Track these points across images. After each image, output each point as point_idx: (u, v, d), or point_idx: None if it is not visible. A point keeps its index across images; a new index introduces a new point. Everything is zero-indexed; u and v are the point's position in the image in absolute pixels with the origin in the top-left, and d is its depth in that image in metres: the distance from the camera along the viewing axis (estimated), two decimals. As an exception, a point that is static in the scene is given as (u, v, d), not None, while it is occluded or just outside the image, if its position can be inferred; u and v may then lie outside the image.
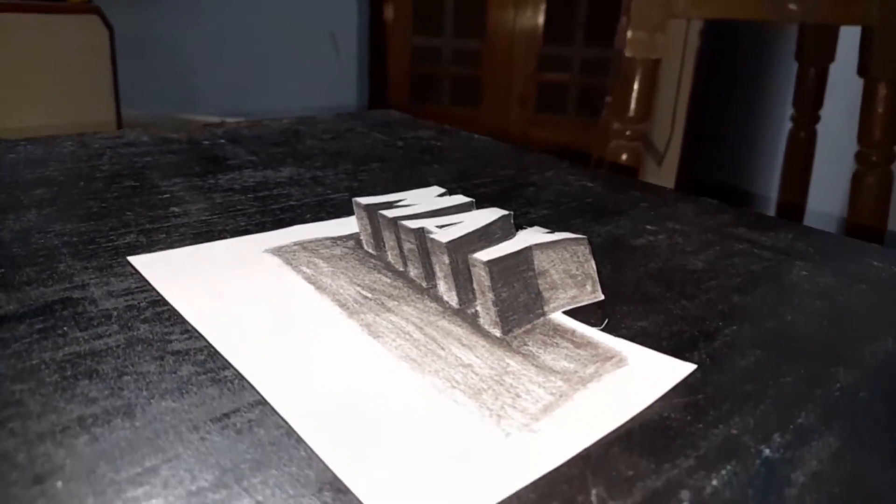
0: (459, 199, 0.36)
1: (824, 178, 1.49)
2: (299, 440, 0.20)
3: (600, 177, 0.51)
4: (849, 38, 1.24)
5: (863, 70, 1.14)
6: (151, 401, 0.22)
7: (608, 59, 1.51)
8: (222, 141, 0.55)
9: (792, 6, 1.12)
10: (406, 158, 0.53)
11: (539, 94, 2.63)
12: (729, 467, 0.20)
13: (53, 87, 1.91)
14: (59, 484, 0.18)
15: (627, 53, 1.13)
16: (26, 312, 0.26)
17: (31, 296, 0.28)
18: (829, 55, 1.36)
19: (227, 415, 0.21)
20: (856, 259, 0.37)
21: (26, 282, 0.29)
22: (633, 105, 1.13)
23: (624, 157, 1.10)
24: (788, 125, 1.42)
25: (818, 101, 1.39)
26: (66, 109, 1.92)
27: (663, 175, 2.09)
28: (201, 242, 0.34)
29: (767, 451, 0.21)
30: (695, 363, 0.26)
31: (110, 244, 0.34)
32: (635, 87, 1.13)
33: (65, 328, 0.26)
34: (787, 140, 1.43)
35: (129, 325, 0.26)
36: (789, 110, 1.41)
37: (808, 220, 1.39)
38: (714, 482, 0.19)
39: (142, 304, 0.28)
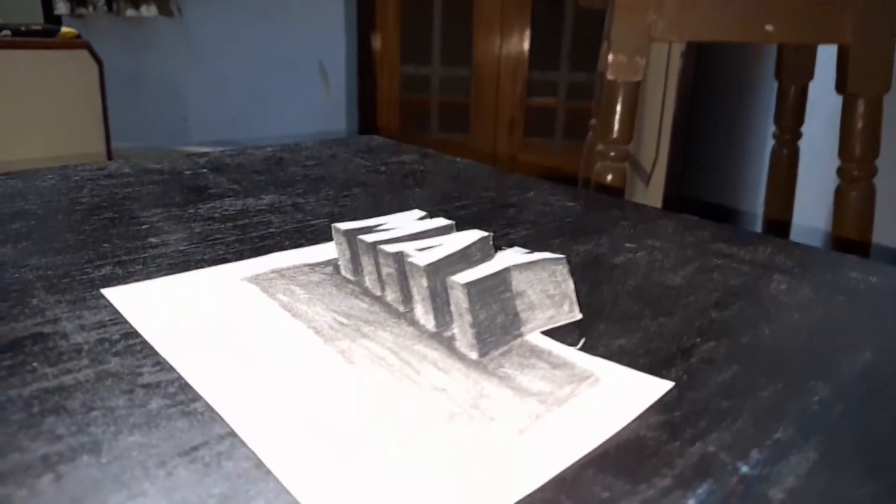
0: (439, 221, 0.36)
1: (809, 192, 1.50)
2: (268, 472, 0.20)
3: (581, 197, 0.51)
4: (827, 56, 1.26)
5: (841, 87, 1.15)
6: (119, 436, 0.21)
7: (594, 83, 1.53)
8: (205, 170, 0.55)
9: (769, 28, 1.14)
10: (388, 183, 0.53)
11: (527, 119, 2.65)
12: (706, 486, 0.20)
13: (43, 122, 1.91)
14: (19, 524, 0.17)
15: (609, 76, 1.14)
16: (-5, 349, 0.26)
17: (1, 332, 0.27)
18: (809, 73, 1.38)
19: (195, 448, 0.21)
20: (834, 271, 0.37)
21: (-3, 318, 0.29)
22: (616, 127, 1.14)
23: (609, 177, 1.11)
24: (771, 142, 1.44)
25: (799, 118, 1.40)
26: (56, 144, 1.93)
27: (651, 194, 2.10)
28: (178, 272, 0.34)
29: (745, 468, 0.20)
30: (672, 380, 0.25)
31: (85, 277, 0.33)
32: (618, 109, 1.14)
33: (34, 364, 0.25)
34: (770, 157, 1.44)
35: (100, 358, 0.26)
36: (771, 127, 1.42)
37: (794, 235, 1.40)
38: (691, 502, 0.19)
39: (114, 337, 0.27)
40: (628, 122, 1.17)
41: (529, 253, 0.31)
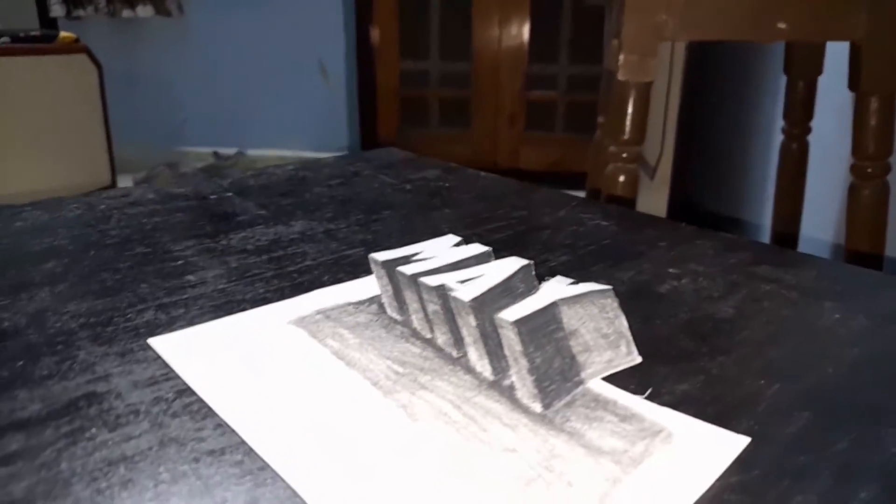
0: (477, 248, 0.36)
1: (819, 186, 1.49)
2: (352, 552, 0.19)
3: (613, 214, 0.51)
4: (837, 50, 1.25)
5: (853, 84, 1.15)
6: (193, 513, 0.21)
7: (594, 76, 1.51)
8: (229, 194, 0.54)
9: (780, 25, 1.13)
10: (416, 204, 0.53)
11: (527, 113, 2.64)
12: (800, 558, 0.19)
13: (45, 127, 1.90)
14: None
15: (620, 77, 1.13)
16: (51, 413, 0.26)
17: (54, 392, 0.27)
18: (818, 68, 1.37)
19: (273, 525, 0.20)
20: (884, 295, 0.37)
21: (47, 375, 0.28)
22: (627, 128, 1.13)
23: (622, 178, 1.10)
24: (780, 137, 1.43)
25: (808, 113, 1.40)
26: (58, 147, 1.92)
27: (656, 188, 2.09)
28: (221, 315, 0.34)
29: (836, 537, 0.20)
30: (743, 432, 0.25)
31: (129, 324, 0.33)
32: (629, 110, 1.13)
33: (93, 429, 0.25)
34: (779, 153, 1.43)
35: (159, 421, 0.25)
36: (780, 122, 1.41)
37: (805, 231, 1.40)
38: (788, 578, 0.19)
39: (169, 396, 0.27)
40: (640, 124, 1.17)
41: (574, 283, 0.31)
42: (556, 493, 0.22)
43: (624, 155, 1.17)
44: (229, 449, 0.24)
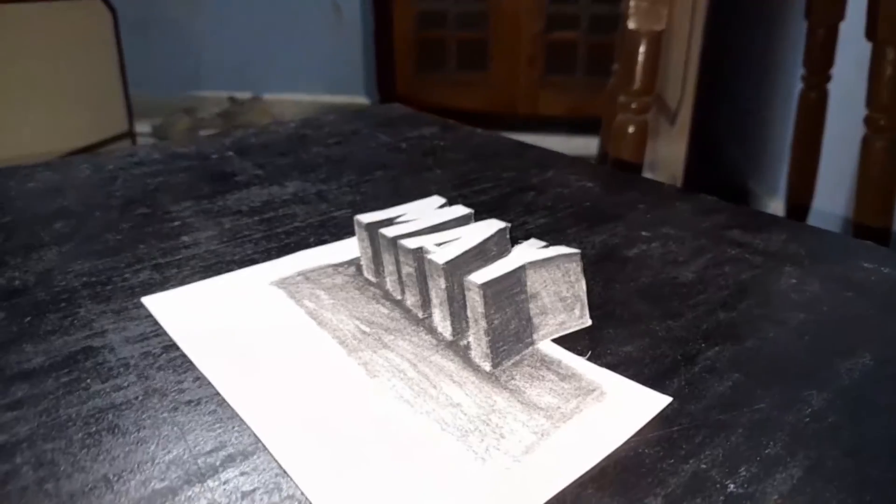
0: (458, 210, 0.37)
1: (836, 137, 1.46)
2: (290, 480, 0.22)
3: (599, 175, 0.52)
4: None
5: (871, 33, 1.11)
6: (168, 453, 0.24)
7: (617, 16, 1.48)
8: (230, 153, 0.57)
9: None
10: (408, 164, 0.55)
11: (547, 55, 2.59)
12: (694, 506, 0.22)
13: (61, 73, 1.93)
14: (89, 546, 0.20)
15: (630, 25, 1.11)
16: (52, 364, 0.29)
17: (56, 346, 0.30)
18: (839, 13, 1.33)
19: (231, 457, 0.23)
20: (847, 261, 0.38)
21: (51, 331, 0.31)
22: (638, 78, 1.12)
23: (631, 129, 1.10)
24: (799, 85, 1.40)
25: (828, 61, 1.36)
26: (74, 94, 1.94)
27: (676, 135, 2.06)
28: (210, 275, 0.36)
29: (732, 486, 0.22)
30: (674, 391, 0.27)
31: (126, 283, 0.36)
32: (640, 59, 1.11)
33: (88, 380, 0.28)
34: (797, 100, 1.40)
35: (145, 374, 0.28)
36: (800, 70, 1.38)
37: (821, 183, 1.38)
38: (679, 522, 0.21)
39: (156, 351, 0.30)
40: (650, 73, 1.15)
41: (545, 247, 0.33)
42: (487, 443, 0.24)
43: (633, 105, 1.16)
44: (205, 399, 0.27)
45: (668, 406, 0.26)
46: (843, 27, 1.33)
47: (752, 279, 0.36)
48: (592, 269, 0.37)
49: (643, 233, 0.42)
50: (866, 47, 1.13)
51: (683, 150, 1.98)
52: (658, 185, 0.50)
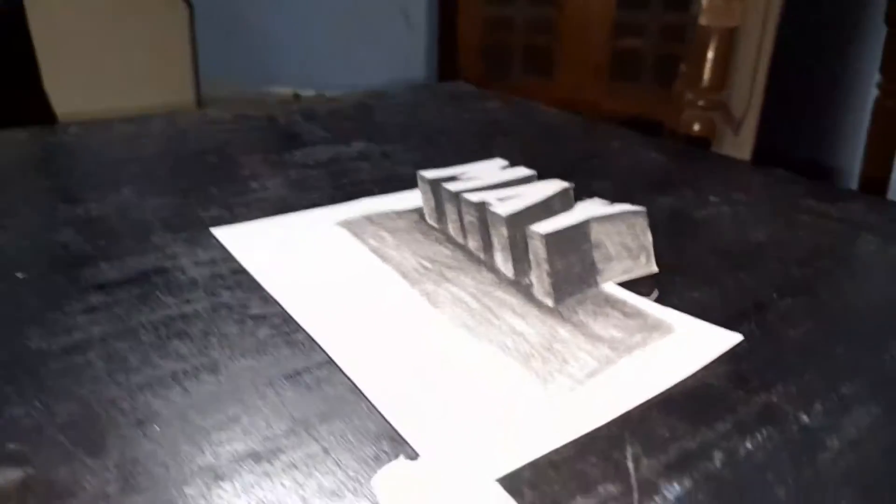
0: (522, 171, 0.37)
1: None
2: (361, 396, 0.22)
3: (669, 148, 0.51)
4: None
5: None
6: (233, 359, 0.24)
7: (685, 26, 1.46)
8: (298, 118, 0.58)
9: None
10: (474, 132, 0.55)
11: (613, 63, 2.55)
12: (765, 432, 0.21)
13: (135, 65, 2.00)
14: (157, 428, 0.21)
15: (702, 22, 1.09)
16: (125, 280, 0.30)
17: (129, 265, 0.31)
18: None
19: (298, 372, 0.24)
20: (930, 231, 0.36)
21: (126, 252, 0.32)
22: (707, 74, 1.09)
23: (696, 127, 1.07)
24: (875, 93, 1.34)
25: (908, 68, 1.30)
26: (147, 86, 2.01)
27: (740, 144, 2.01)
28: (278, 215, 0.37)
29: (806, 419, 0.21)
30: (746, 333, 0.26)
31: (196, 217, 0.37)
32: (710, 55, 1.09)
33: (158, 294, 0.29)
34: (872, 108, 1.34)
35: (214, 291, 0.29)
36: (876, 77, 1.32)
37: (894, 194, 1.32)
38: (748, 445, 0.20)
39: (224, 273, 0.31)
40: (720, 70, 1.12)
41: (610, 205, 0.32)
42: (550, 367, 0.24)
43: (700, 103, 1.14)
44: (270, 315, 0.27)
45: (739, 346, 0.25)
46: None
47: (828, 242, 0.35)
48: (660, 228, 0.36)
49: (712, 198, 0.41)
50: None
51: (747, 161, 1.93)
52: (729, 159, 0.49)
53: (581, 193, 0.41)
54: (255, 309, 0.28)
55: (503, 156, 0.47)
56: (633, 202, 0.38)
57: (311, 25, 2.83)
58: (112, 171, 0.43)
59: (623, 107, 2.57)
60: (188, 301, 0.28)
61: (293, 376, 0.23)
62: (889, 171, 1.33)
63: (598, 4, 2.57)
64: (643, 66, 2.65)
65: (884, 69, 1.31)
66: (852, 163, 1.80)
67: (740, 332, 0.26)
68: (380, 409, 0.22)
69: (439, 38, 2.67)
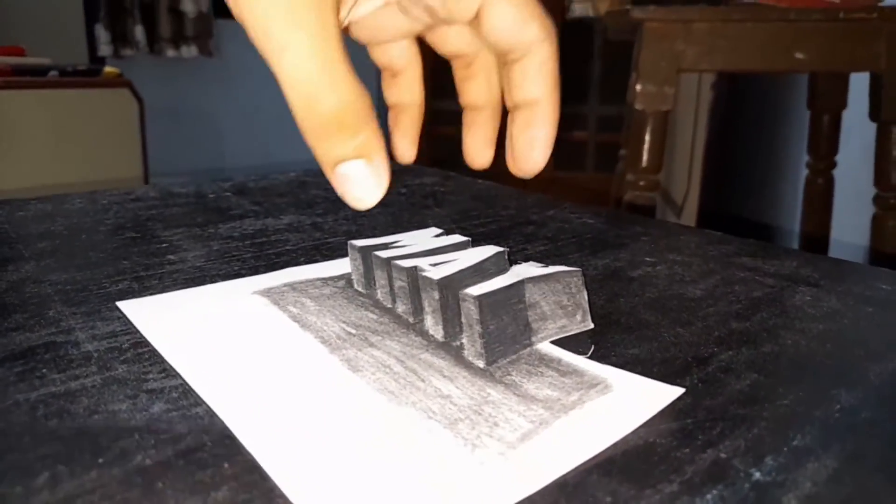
0: (455, 238, 0.36)
1: (845, 222, 1.46)
2: (265, 475, 0.19)
3: (602, 214, 0.51)
4: (861, 83, 1.24)
5: (874, 115, 1.13)
6: (119, 439, 0.21)
7: (622, 117, 1.53)
8: (228, 193, 0.56)
9: (799, 56, 1.13)
10: (408, 203, 0.54)
11: (557, 153, 2.65)
12: (715, 491, 0.19)
13: (87, 156, 1.98)
14: (10, 520, 0.17)
15: (637, 106, 1.14)
16: (7, 356, 0.26)
17: (16, 341, 0.28)
18: (842, 101, 1.36)
19: (192, 450, 0.21)
20: (863, 283, 0.36)
21: (13, 328, 0.29)
22: (645, 156, 1.13)
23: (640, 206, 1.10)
24: (806, 172, 1.41)
25: (833, 147, 1.38)
26: (97, 176, 1.99)
27: (684, 221, 2.07)
28: (194, 287, 0.34)
29: (758, 475, 0.19)
30: (687, 388, 0.24)
31: (102, 291, 0.34)
32: (647, 138, 1.13)
33: (43, 370, 0.25)
34: (804, 187, 1.41)
35: (108, 365, 0.26)
36: (805, 157, 1.40)
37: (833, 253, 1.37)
38: (698, 507, 0.18)
39: (124, 346, 0.28)
40: (658, 152, 1.16)
41: (545, 267, 0.31)
42: (479, 431, 0.21)
43: (641, 183, 1.17)
44: (168, 389, 0.24)
45: (681, 401, 0.24)
46: (846, 114, 1.36)
47: (764, 296, 0.34)
48: (595, 286, 0.35)
49: (647, 258, 0.40)
50: (871, 132, 1.14)
51: (679, 223, 1.99)
52: (662, 222, 0.49)
53: (516, 257, 0.39)
54: (152, 383, 0.25)
55: (438, 225, 0.46)
56: (568, 264, 0.37)
57: (266, 118, 2.86)
58: (17, 249, 0.40)
59: (567, 194, 2.63)
60: (76, 377, 0.25)
61: (186, 454, 0.20)
62: (827, 246, 1.39)
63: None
64: (586, 156, 2.75)
65: (811, 150, 1.38)
66: (791, 240, 1.86)
67: (683, 386, 0.25)
68: (283, 490, 0.19)
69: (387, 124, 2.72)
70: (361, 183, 0.23)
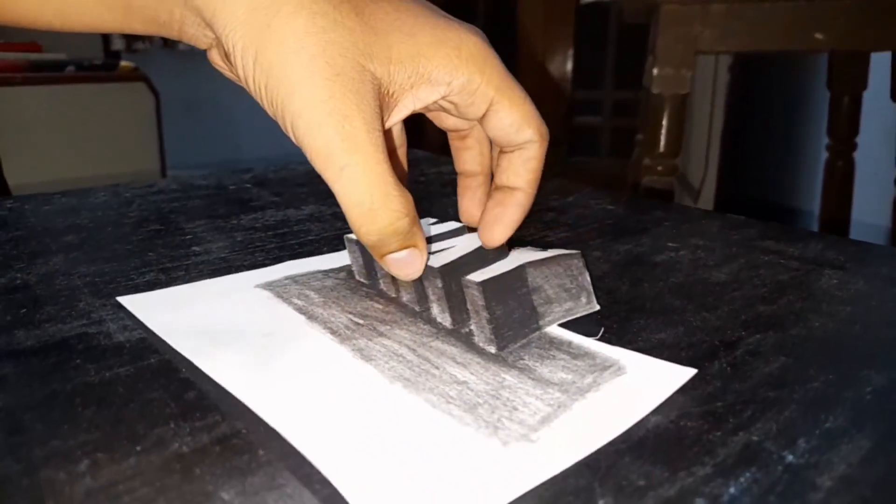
0: (451, 225, 0.36)
1: (866, 203, 1.44)
2: (302, 461, 0.20)
3: (622, 200, 0.50)
4: (882, 63, 1.22)
5: (895, 94, 1.11)
6: (155, 427, 0.21)
7: (639, 101, 1.52)
8: (248, 185, 0.56)
9: (818, 35, 1.11)
10: (426, 191, 0.54)
11: (571, 139, 2.63)
12: (748, 474, 0.19)
13: (104, 150, 2.00)
14: (55, 505, 0.18)
15: (654, 90, 1.12)
16: (42, 347, 0.27)
17: (49, 332, 0.28)
18: (862, 82, 1.33)
19: (227, 437, 0.21)
20: (889, 265, 0.35)
21: (45, 319, 0.30)
22: (662, 140, 1.12)
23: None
24: (825, 154, 1.39)
25: (854, 129, 1.36)
26: (115, 171, 2.01)
27: (701, 205, 2.05)
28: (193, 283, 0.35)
29: (791, 457, 0.19)
30: (715, 372, 0.24)
31: (130, 282, 0.34)
32: (664, 122, 1.12)
33: (78, 361, 0.26)
34: (824, 170, 1.39)
35: (140, 356, 0.26)
36: (825, 139, 1.38)
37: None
38: (731, 489, 0.18)
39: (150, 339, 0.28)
40: (675, 136, 1.15)
41: (544, 251, 0.31)
42: (499, 414, 0.22)
43: (659, 168, 1.16)
44: (200, 378, 0.25)
45: (710, 384, 0.24)
46: (867, 95, 1.33)
47: (790, 279, 0.34)
48: (618, 271, 0.35)
49: (670, 243, 0.40)
50: (892, 114, 1.12)
51: (700, 208, 1.97)
52: (684, 207, 0.49)
53: (538, 245, 0.39)
54: (185, 373, 0.25)
55: (452, 215, 0.46)
56: (589, 250, 0.37)
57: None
58: (44, 242, 0.41)
59: (582, 179, 2.61)
60: (110, 367, 0.25)
61: (222, 441, 0.21)
62: (847, 230, 1.37)
63: (555, 84, 2.66)
64: (600, 141, 2.73)
65: (831, 132, 1.36)
66: (811, 224, 1.84)
67: (710, 370, 0.25)
68: (324, 473, 0.19)
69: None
70: (408, 265, 0.28)
